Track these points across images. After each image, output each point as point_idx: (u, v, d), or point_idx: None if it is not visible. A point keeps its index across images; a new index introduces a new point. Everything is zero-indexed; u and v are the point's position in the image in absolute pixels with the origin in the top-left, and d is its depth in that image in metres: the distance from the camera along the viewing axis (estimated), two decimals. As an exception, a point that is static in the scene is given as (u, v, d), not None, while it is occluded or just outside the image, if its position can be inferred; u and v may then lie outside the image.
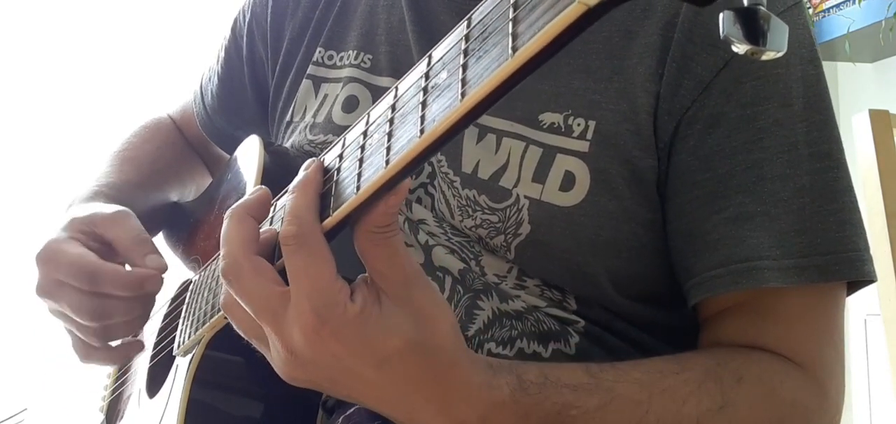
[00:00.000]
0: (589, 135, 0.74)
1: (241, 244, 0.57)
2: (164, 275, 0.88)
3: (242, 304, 0.57)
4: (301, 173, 0.58)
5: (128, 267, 0.88)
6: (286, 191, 0.60)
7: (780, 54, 0.37)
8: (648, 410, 0.65)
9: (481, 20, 0.43)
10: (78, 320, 0.87)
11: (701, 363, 0.70)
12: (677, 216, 0.75)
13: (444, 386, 0.58)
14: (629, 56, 0.75)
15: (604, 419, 0.64)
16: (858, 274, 0.73)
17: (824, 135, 0.75)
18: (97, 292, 0.84)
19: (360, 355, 0.55)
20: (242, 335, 0.61)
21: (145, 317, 0.91)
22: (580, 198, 0.74)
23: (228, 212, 0.60)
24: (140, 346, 0.93)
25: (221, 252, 0.58)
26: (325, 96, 0.91)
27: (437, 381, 0.58)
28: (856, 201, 0.76)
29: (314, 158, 0.59)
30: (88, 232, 0.89)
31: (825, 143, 0.74)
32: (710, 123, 0.73)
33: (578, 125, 0.74)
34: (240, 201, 0.61)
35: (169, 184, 1.14)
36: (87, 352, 0.91)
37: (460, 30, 0.45)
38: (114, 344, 0.90)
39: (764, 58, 0.36)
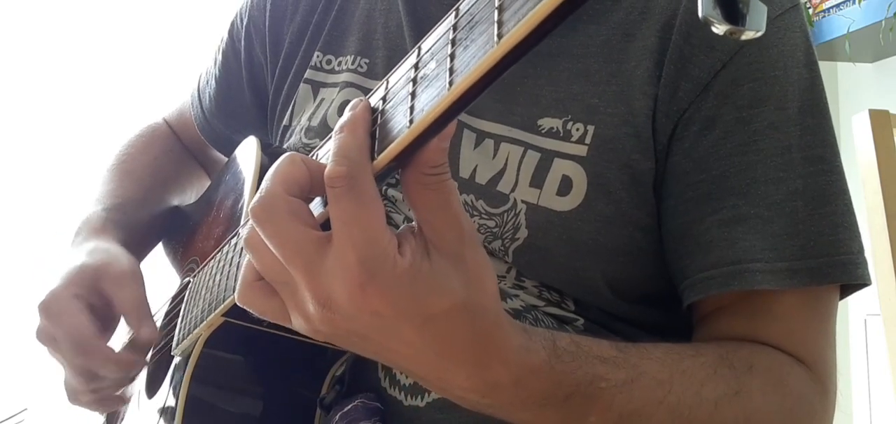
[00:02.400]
0: (588, 140, 0.74)
1: (282, 180, 0.52)
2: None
3: (271, 247, 0.51)
4: (347, 113, 0.52)
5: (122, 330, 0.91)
6: (328, 138, 0.55)
7: (759, 34, 0.37)
8: (670, 390, 0.65)
9: (469, 9, 0.43)
10: (68, 373, 0.90)
11: (712, 349, 0.70)
12: (671, 217, 0.76)
13: (484, 347, 0.55)
14: (628, 59, 0.75)
15: (630, 394, 0.63)
16: (851, 278, 0.73)
17: (818, 139, 0.75)
18: (87, 365, 0.87)
19: (405, 314, 0.51)
20: (262, 276, 0.55)
21: (134, 378, 0.94)
22: (577, 202, 0.74)
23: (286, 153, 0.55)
24: (123, 401, 0.96)
25: (261, 186, 0.53)
26: (322, 100, 0.91)
27: (478, 342, 0.54)
28: (850, 204, 0.76)
29: (360, 98, 0.54)
30: (91, 287, 0.90)
31: (819, 147, 0.74)
32: (705, 125, 0.74)
33: (577, 130, 0.74)
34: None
35: (169, 192, 1.15)
36: (74, 398, 0.94)
37: (449, 20, 0.45)
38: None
39: (743, 38, 0.36)
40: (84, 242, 0.98)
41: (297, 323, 0.54)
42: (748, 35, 0.36)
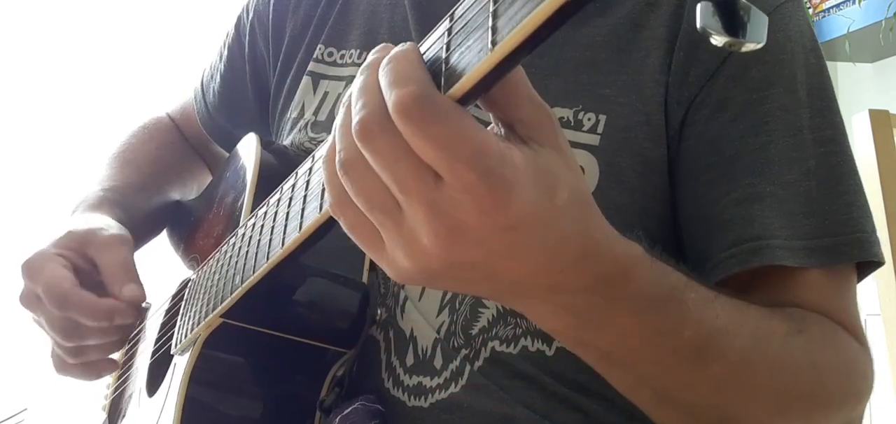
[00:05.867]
0: (600, 129, 0.74)
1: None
2: (145, 303, 0.90)
3: (383, 171, 0.45)
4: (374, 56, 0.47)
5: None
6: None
7: (759, 46, 0.36)
8: (746, 313, 0.63)
9: (463, 14, 0.42)
10: (53, 335, 0.89)
11: (758, 302, 0.68)
12: (688, 202, 0.75)
13: (595, 236, 0.51)
14: (636, 48, 0.76)
15: (715, 310, 0.61)
16: (867, 255, 0.73)
17: (828, 121, 0.75)
18: (68, 316, 0.86)
19: (538, 218, 0.45)
20: (361, 206, 0.48)
21: (121, 342, 0.93)
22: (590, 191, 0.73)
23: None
24: (113, 365, 0.95)
25: (363, 102, 0.46)
26: (326, 94, 0.91)
27: (590, 231, 0.51)
28: (861, 185, 0.76)
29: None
30: (78, 251, 0.90)
31: (828, 129, 0.75)
32: (716, 108, 0.74)
33: (589, 119, 0.75)
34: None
35: (169, 184, 1.15)
36: (61, 366, 0.93)
37: (444, 25, 0.45)
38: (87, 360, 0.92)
39: (743, 50, 0.36)
40: (79, 215, 0.98)
41: (396, 257, 0.48)
42: (749, 46, 0.36)
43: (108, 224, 0.95)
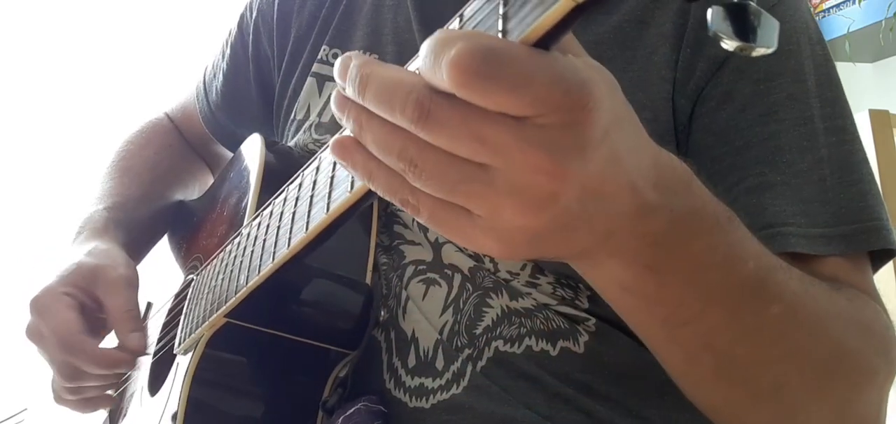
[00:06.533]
0: None
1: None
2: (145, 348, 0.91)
3: (457, 139, 0.42)
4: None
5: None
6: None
7: (770, 51, 0.36)
8: (791, 267, 0.62)
9: (472, 15, 0.42)
10: (54, 372, 0.90)
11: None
12: None
13: (648, 140, 0.49)
14: (642, 45, 0.76)
15: (761, 246, 0.59)
16: (885, 243, 0.72)
17: (837, 110, 0.75)
18: (70, 361, 0.87)
19: (617, 114, 0.44)
20: (440, 191, 0.44)
21: (121, 383, 0.95)
22: None
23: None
24: (109, 401, 0.96)
25: (401, 93, 0.43)
26: (331, 96, 0.91)
27: (648, 137, 0.49)
28: (872, 173, 0.75)
29: None
30: (85, 289, 0.91)
31: (839, 119, 0.75)
32: (722, 99, 0.74)
33: None
34: None
35: (170, 188, 1.14)
36: (59, 399, 0.94)
37: (454, 24, 0.45)
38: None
39: (754, 55, 0.36)
40: (85, 242, 0.98)
41: (509, 220, 0.44)
42: (759, 51, 0.36)
43: (115, 260, 0.95)
